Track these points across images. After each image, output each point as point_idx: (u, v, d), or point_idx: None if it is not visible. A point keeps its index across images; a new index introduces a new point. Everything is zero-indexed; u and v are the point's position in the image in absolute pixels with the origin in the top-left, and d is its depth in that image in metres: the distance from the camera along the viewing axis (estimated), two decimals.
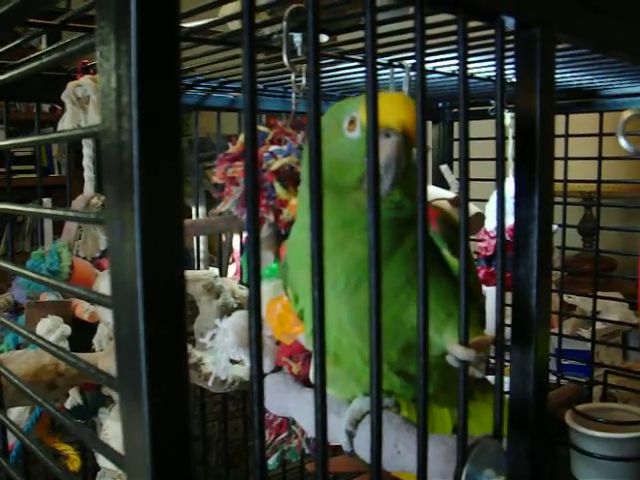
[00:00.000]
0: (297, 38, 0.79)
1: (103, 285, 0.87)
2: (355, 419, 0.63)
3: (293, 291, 0.69)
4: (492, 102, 1.31)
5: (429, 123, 1.53)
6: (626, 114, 0.99)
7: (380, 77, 0.99)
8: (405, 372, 0.66)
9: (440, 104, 1.55)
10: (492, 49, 0.91)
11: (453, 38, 0.84)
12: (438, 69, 1.06)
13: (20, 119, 2.96)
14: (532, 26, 0.58)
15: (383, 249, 0.47)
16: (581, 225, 2.20)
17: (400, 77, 1.00)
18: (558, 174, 1.27)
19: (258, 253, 0.43)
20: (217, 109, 1.29)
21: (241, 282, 1.12)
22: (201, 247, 1.44)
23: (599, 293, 1.46)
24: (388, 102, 0.57)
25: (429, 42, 0.80)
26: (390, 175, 0.58)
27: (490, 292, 1.07)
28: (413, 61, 0.98)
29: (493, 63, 1.02)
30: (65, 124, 0.97)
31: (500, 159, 0.61)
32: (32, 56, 0.95)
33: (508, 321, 0.60)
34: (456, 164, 1.49)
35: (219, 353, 0.73)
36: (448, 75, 1.09)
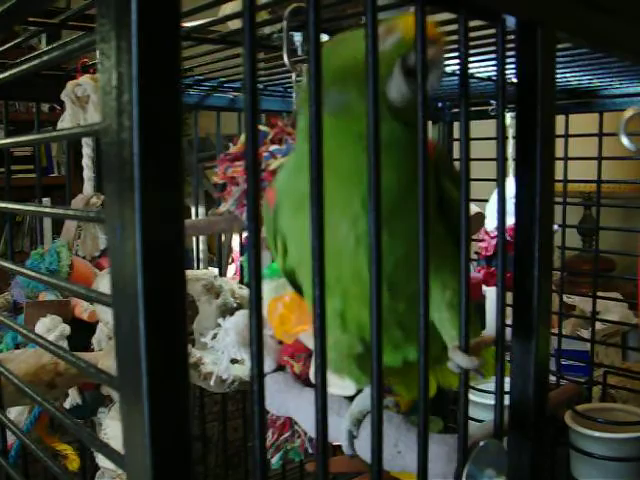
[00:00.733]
0: (297, 37, 0.79)
1: (102, 284, 0.87)
2: (357, 419, 0.63)
3: (282, 241, 0.66)
4: (492, 102, 1.31)
5: (429, 123, 1.52)
6: (628, 113, 0.99)
7: None
8: (406, 325, 0.65)
9: (440, 104, 1.54)
10: (492, 49, 0.91)
11: (454, 37, 0.84)
12: None
13: (20, 119, 2.95)
14: (533, 25, 0.58)
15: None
16: (581, 225, 2.19)
17: None
18: (558, 174, 1.27)
19: (259, 253, 0.43)
20: (217, 109, 1.28)
21: (241, 282, 1.12)
22: (201, 247, 1.43)
23: (598, 293, 1.46)
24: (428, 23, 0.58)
25: None
26: (438, 70, 0.60)
27: (490, 292, 1.07)
28: None
29: (493, 63, 1.02)
30: (65, 123, 0.96)
31: (501, 159, 0.61)
32: (31, 55, 0.95)
33: (508, 321, 0.60)
34: (456, 164, 1.48)
35: (220, 353, 0.73)
36: (448, 75, 1.09)
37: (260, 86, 1.21)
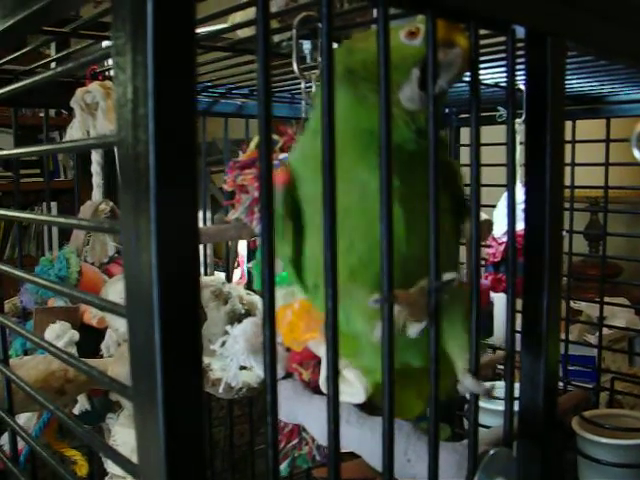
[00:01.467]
0: (306, 45, 0.79)
1: (112, 291, 0.87)
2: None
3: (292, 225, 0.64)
4: (499, 108, 1.31)
5: None
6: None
7: None
8: None
9: (447, 110, 1.55)
10: (500, 56, 0.92)
11: None
12: None
13: (27, 124, 2.96)
14: (543, 35, 0.58)
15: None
16: (587, 231, 2.19)
17: None
18: (565, 180, 1.27)
19: (273, 264, 0.44)
20: (225, 115, 1.29)
21: (248, 287, 1.12)
22: (207, 252, 1.44)
23: (605, 298, 1.46)
24: (446, 24, 0.57)
25: None
26: (451, 72, 0.58)
27: (498, 299, 1.07)
28: None
29: (501, 70, 1.02)
30: (74, 130, 0.97)
31: (511, 165, 0.61)
32: (41, 62, 0.96)
33: (517, 328, 0.60)
34: (463, 169, 1.48)
35: (229, 360, 0.73)
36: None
37: None
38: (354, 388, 0.64)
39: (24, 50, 0.83)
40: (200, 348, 0.39)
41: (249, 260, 1.26)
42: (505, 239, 1.03)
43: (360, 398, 0.64)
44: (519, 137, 1.11)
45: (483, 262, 1.12)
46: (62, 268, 0.97)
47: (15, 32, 0.54)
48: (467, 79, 0.58)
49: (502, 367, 1.36)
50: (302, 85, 0.75)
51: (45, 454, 0.61)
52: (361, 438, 0.65)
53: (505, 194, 0.61)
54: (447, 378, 0.60)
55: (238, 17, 0.77)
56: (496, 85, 1.14)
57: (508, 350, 0.60)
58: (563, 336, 1.45)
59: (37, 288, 0.98)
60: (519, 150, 1.10)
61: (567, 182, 1.36)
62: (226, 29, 0.79)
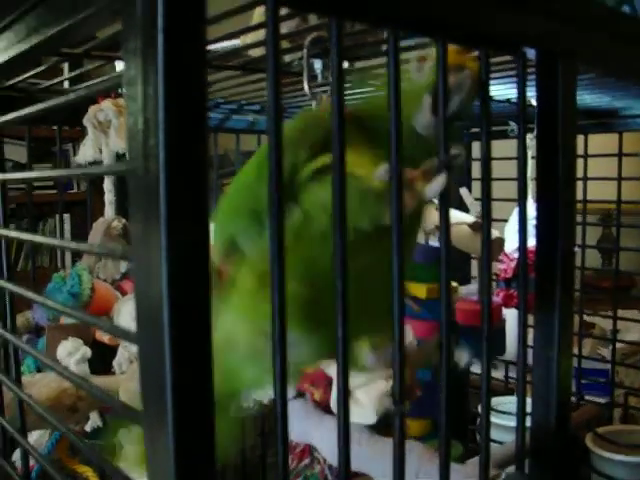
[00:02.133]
0: (317, 65, 0.79)
1: (124, 310, 0.88)
2: None
3: None
4: (511, 122, 1.31)
5: None
6: None
7: None
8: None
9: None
10: (511, 73, 0.91)
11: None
12: None
13: (41, 135, 2.97)
14: (554, 57, 0.58)
15: None
16: (600, 245, 2.19)
17: None
18: (577, 194, 1.27)
19: (283, 280, 0.44)
20: (236, 131, 1.29)
21: None
22: None
23: (618, 312, 1.45)
24: (456, 50, 0.57)
25: None
26: (461, 94, 0.58)
27: (510, 314, 1.06)
28: None
29: (512, 86, 1.02)
30: (87, 148, 0.98)
31: (522, 180, 0.61)
32: (55, 82, 0.97)
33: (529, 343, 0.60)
34: (474, 184, 1.48)
35: None
36: None
37: None
38: (365, 409, 0.64)
39: (38, 70, 0.84)
40: (211, 373, 0.39)
41: None
42: (517, 255, 1.03)
43: (371, 419, 0.64)
44: (531, 152, 1.11)
45: (495, 278, 1.12)
46: (74, 285, 0.97)
47: (30, 56, 0.54)
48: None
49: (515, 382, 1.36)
50: (313, 105, 0.76)
51: (55, 473, 0.62)
52: (372, 459, 0.64)
53: (517, 209, 0.61)
54: None
55: (249, 39, 0.78)
56: (507, 101, 1.14)
57: (520, 365, 0.60)
58: (576, 350, 1.44)
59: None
60: (530, 165, 1.11)
61: (579, 196, 1.36)
62: (237, 49, 0.80)
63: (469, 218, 0.91)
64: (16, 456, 0.93)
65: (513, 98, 1.12)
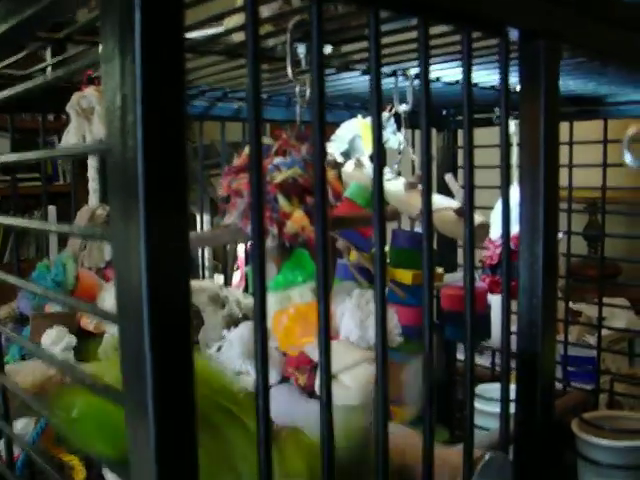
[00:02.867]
0: (301, 49, 0.79)
1: (108, 298, 0.87)
2: None
3: None
4: (496, 110, 1.31)
5: (433, 130, 1.52)
6: (631, 130, 0.99)
7: (384, 86, 0.99)
8: None
9: (444, 112, 1.55)
10: (495, 57, 0.91)
11: (457, 47, 0.85)
12: (442, 78, 1.06)
13: (26, 127, 2.95)
14: (536, 37, 0.58)
15: None
16: (586, 232, 2.19)
17: (404, 86, 1.00)
18: (562, 181, 1.27)
19: (264, 267, 0.43)
20: (222, 119, 1.29)
21: (246, 289, 1.12)
22: (206, 255, 1.44)
23: (604, 299, 1.46)
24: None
25: (433, 52, 0.80)
26: None
27: (495, 300, 1.07)
28: (417, 70, 0.98)
29: (497, 72, 1.02)
30: (70, 135, 0.97)
31: (505, 167, 0.61)
32: (37, 68, 0.96)
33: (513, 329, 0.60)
34: (460, 172, 1.48)
35: (225, 365, 0.73)
36: (452, 83, 1.09)
37: (264, 96, 1.22)
38: (350, 391, 0.64)
39: (19, 55, 0.83)
40: (191, 351, 0.39)
41: (247, 263, 1.26)
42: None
43: (355, 402, 0.64)
44: (516, 138, 1.11)
45: (480, 264, 1.12)
46: (59, 273, 0.96)
47: (9, 39, 0.54)
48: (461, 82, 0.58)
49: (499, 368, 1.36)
50: (297, 89, 0.75)
51: (40, 460, 0.61)
52: None
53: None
54: None
55: (232, 22, 0.77)
56: (492, 88, 1.14)
57: (504, 351, 0.60)
58: (562, 337, 1.45)
59: (34, 294, 0.98)
60: (516, 151, 1.11)
61: (564, 183, 1.36)
62: (219, 34, 0.79)
63: (454, 204, 0.91)
64: (0, 446, 0.93)
65: (498, 85, 1.11)
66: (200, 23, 0.77)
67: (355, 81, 1.09)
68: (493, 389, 1.38)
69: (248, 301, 1.01)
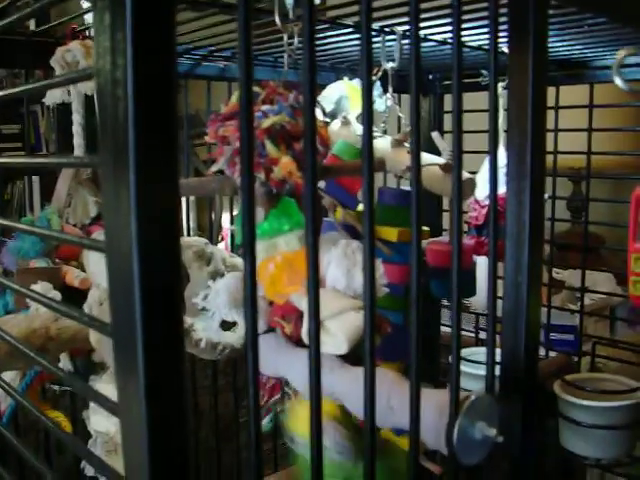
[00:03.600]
0: (289, 0, 0.78)
1: (92, 255, 0.87)
2: None
3: None
4: (483, 72, 1.31)
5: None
6: (621, 53, 1.00)
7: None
8: None
9: (430, 76, 1.54)
10: (484, 15, 0.91)
11: (445, 2, 0.84)
12: (430, 37, 1.06)
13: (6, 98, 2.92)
14: None
15: None
16: (570, 197, 2.21)
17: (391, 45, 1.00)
18: (548, 146, 1.27)
19: (253, 212, 0.43)
20: (207, 78, 1.27)
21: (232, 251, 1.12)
22: (191, 225, 1.43)
23: (587, 271, 1.47)
24: None
25: (422, 6, 0.79)
26: None
27: (481, 261, 1.07)
28: (405, 28, 0.97)
29: (485, 31, 1.02)
30: (55, 90, 0.96)
31: (493, 131, 0.61)
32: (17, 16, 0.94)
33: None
34: (447, 136, 1.48)
35: (211, 314, 0.73)
36: (440, 43, 1.09)
37: None
38: (336, 338, 0.64)
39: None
40: (180, 291, 0.39)
41: (232, 222, 1.26)
42: (488, 202, 1.04)
43: (342, 349, 0.64)
44: (503, 102, 1.11)
45: (466, 225, 1.12)
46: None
47: None
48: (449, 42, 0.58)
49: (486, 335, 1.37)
50: (285, 38, 0.75)
51: (34, 410, 0.61)
52: (344, 385, 0.65)
53: (487, 158, 0.61)
54: None
55: None
56: (479, 48, 1.13)
57: (490, 314, 0.60)
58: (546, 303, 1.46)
59: (18, 249, 0.97)
60: (503, 115, 1.11)
61: (550, 148, 1.36)
62: None
63: (440, 160, 0.91)
64: None
65: (486, 45, 1.11)
66: None
67: (342, 40, 1.08)
68: (477, 353, 1.40)
69: (233, 259, 1.01)
